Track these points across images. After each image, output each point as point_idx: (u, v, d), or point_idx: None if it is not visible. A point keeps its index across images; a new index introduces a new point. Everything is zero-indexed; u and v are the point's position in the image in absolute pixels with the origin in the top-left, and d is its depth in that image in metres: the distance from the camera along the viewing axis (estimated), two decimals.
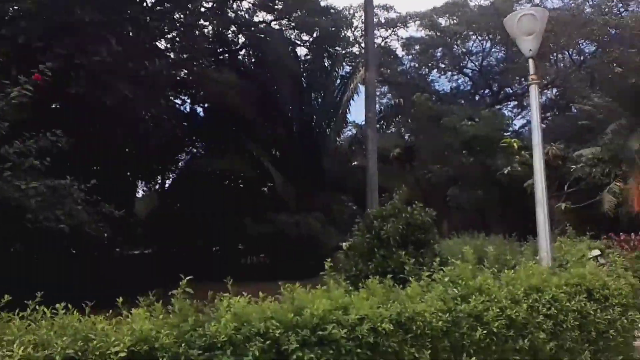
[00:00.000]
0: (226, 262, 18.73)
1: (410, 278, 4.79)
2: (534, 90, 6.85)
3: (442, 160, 25.34)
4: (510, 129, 24.71)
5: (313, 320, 3.68)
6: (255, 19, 23.73)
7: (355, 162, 26.75)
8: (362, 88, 22.11)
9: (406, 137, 33.42)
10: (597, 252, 8.69)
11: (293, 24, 23.82)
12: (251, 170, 21.26)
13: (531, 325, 4.73)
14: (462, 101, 30.24)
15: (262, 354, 3.34)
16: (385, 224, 6.01)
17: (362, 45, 24.78)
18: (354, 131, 27.82)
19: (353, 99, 23.98)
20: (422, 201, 23.10)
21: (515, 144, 7.70)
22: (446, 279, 4.86)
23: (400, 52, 33.14)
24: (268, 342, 3.42)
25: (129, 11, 13.16)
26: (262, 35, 22.59)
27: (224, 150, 20.84)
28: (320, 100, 24.15)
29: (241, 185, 23.52)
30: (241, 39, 24.05)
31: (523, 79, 26.01)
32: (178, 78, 19.96)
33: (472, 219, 24.66)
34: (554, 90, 29.06)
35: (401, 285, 4.77)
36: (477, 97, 32.55)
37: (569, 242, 10.76)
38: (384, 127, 27.94)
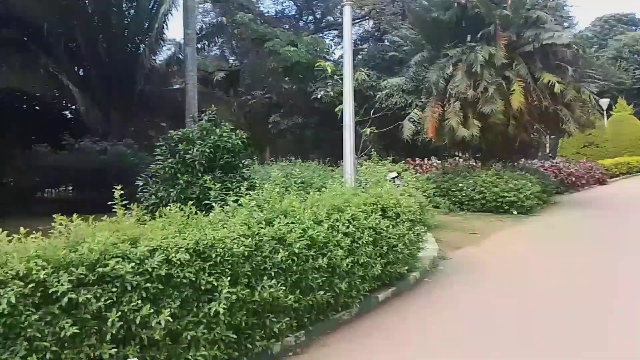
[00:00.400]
0: (18, 195, 16.24)
1: (215, 204, 4.55)
2: (347, 12, 6.86)
3: (266, 85, 25.20)
4: (331, 58, 25.40)
5: (92, 256, 3.21)
6: None
7: (177, 85, 25.07)
8: (181, 1, 20.21)
9: (230, 60, 32.34)
10: (394, 174, 9.57)
11: None
12: (48, 89, 18.32)
13: (331, 244, 4.92)
14: (287, 26, 30.00)
15: (21, 300, 2.80)
16: (191, 147, 5.57)
17: None
18: (173, 50, 25.75)
19: (171, 13, 21.88)
20: (246, 127, 22.77)
21: (329, 68, 7.79)
22: (252, 203, 4.73)
23: None
24: (31, 286, 2.87)
25: None
26: None
27: (11, 64, 17.44)
28: (132, 12, 21.49)
29: (37, 108, 20.26)
30: None
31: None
32: None
33: (294, 145, 25.47)
34: (371, 22, 30.55)
35: (204, 212, 4.51)
36: (300, 23, 32.63)
37: (373, 165, 11.74)
38: (207, 47, 26.35)
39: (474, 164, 16.89)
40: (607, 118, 30.91)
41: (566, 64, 13.56)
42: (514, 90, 13.05)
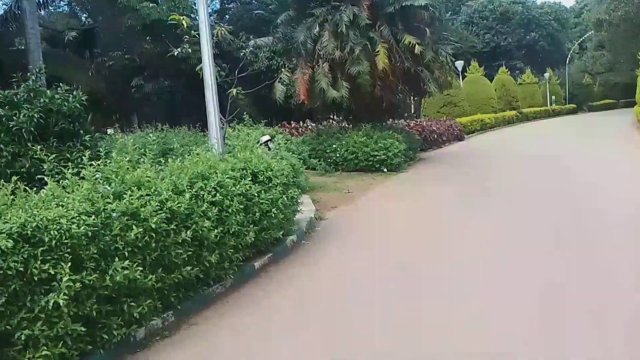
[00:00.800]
0: None
1: (48, 179, 3.85)
2: None
3: (125, 46, 23.03)
4: (197, 17, 23.94)
5: None
6: None
7: (22, 46, 21.84)
8: None
9: (83, 17, 29.06)
10: (267, 137, 9.26)
11: None
12: None
13: (196, 215, 4.50)
14: None
15: None
16: (16, 112, 4.64)
17: None
18: (10, 4, 22.28)
19: None
20: (107, 92, 20.61)
21: (184, 22, 7.08)
22: (97, 175, 4.11)
23: None
24: None
25: None
26: None
27: None
28: None
29: None
30: None
31: None
32: None
33: (163, 111, 23.83)
34: None
35: (37, 188, 3.81)
36: None
37: (245, 130, 11.30)
38: (51, 2, 23.23)
39: (347, 125, 17.19)
40: (462, 79, 33.57)
41: (424, 26, 14.10)
42: (378, 51, 13.31)
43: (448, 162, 16.82)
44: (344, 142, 14.45)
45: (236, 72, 8.11)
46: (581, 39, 56.53)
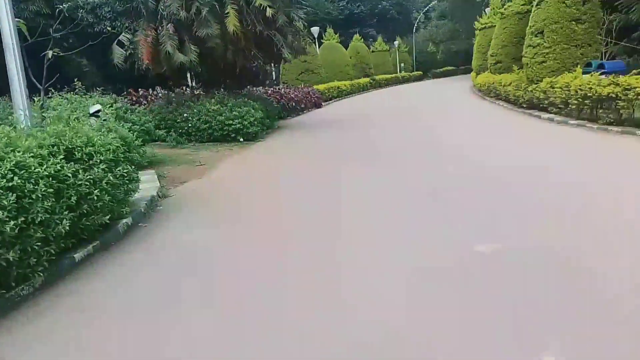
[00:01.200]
0: None
1: None
2: None
3: None
4: None
5: None
6: None
7: None
8: None
9: None
10: (98, 107, 8.18)
11: None
12: None
13: None
14: None
15: None
16: None
17: None
18: None
19: None
20: None
21: None
22: None
23: None
24: None
25: None
26: None
27: None
28: None
29: None
30: None
31: None
32: None
33: None
34: None
35: None
36: None
37: (78, 99, 9.97)
38: None
39: (203, 92, 16.25)
40: (319, 46, 33.93)
41: None
42: (228, 13, 12.60)
43: (305, 129, 16.91)
44: (196, 110, 13.63)
45: (51, 31, 6.91)
46: (426, 8, 60.70)
